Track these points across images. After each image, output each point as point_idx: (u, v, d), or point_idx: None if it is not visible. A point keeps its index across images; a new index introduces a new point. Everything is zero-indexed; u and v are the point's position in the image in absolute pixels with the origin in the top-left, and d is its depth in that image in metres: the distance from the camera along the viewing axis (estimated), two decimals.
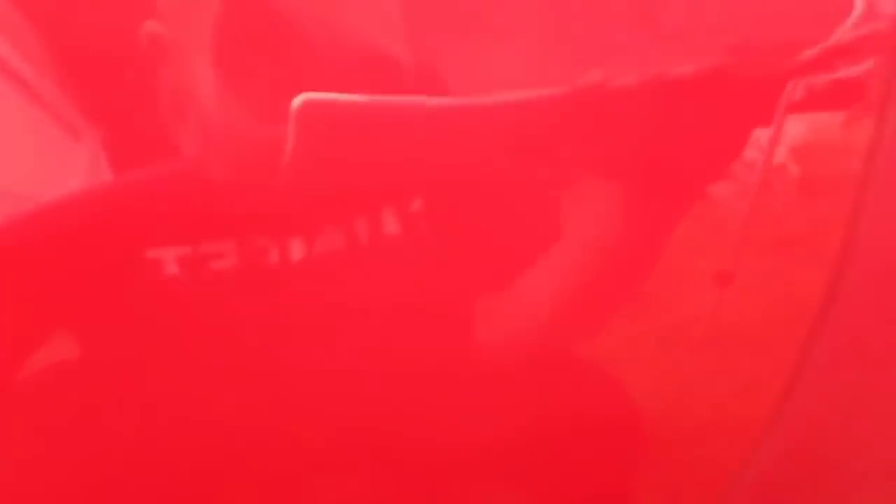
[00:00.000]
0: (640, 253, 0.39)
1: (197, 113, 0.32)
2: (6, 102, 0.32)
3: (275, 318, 0.35)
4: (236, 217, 0.33)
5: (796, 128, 0.38)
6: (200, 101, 0.32)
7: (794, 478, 0.47)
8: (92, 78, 0.32)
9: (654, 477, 0.45)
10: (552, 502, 0.45)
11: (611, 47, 0.36)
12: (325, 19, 0.32)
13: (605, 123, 0.36)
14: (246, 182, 0.33)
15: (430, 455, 0.41)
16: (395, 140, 0.34)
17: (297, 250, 0.33)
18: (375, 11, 0.33)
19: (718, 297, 0.41)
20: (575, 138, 0.36)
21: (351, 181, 0.34)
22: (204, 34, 0.31)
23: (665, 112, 0.36)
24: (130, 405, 0.36)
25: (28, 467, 0.37)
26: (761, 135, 0.38)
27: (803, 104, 0.37)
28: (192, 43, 0.31)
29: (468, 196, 0.36)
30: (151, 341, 0.35)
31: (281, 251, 0.33)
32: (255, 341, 0.35)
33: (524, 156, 0.36)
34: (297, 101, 0.31)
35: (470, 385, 0.39)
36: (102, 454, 0.37)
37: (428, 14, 0.34)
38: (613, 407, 0.42)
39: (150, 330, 0.34)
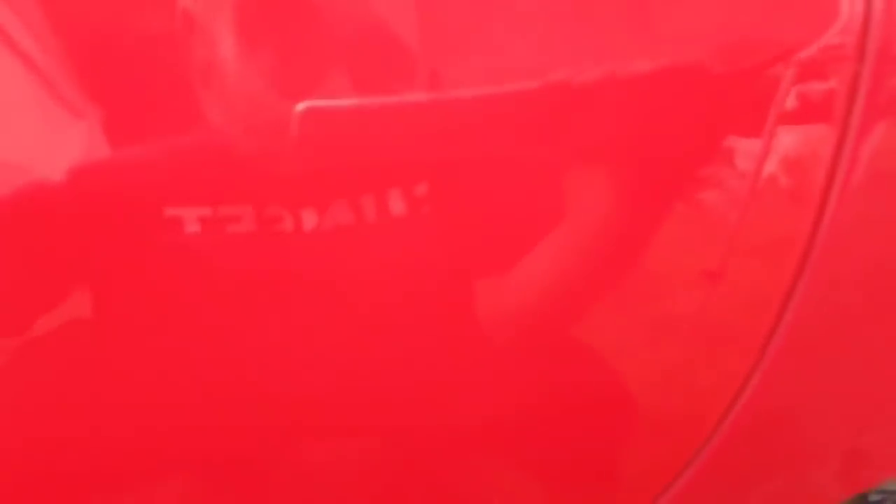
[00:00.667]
0: (631, 241, 0.41)
1: (222, 85, 0.33)
2: (15, 86, 0.33)
3: (285, 283, 0.37)
4: (254, 183, 0.35)
5: (787, 139, 0.40)
6: (226, 75, 0.33)
7: (759, 447, 0.50)
8: (93, 61, 0.34)
9: (634, 448, 0.49)
10: (546, 475, 0.48)
11: (605, 43, 0.38)
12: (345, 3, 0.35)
13: (598, 116, 0.38)
14: (264, 151, 0.35)
15: (426, 427, 0.43)
16: (394, 136, 0.36)
17: (309, 221, 0.35)
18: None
19: (706, 295, 0.43)
20: (569, 130, 0.38)
21: (353, 168, 0.36)
22: (230, 11, 0.33)
23: (658, 106, 0.38)
24: (142, 359, 0.38)
25: (39, 421, 0.38)
26: (752, 144, 0.40)
27: (795, 115, 0.40)
28: (219, 19, 0.33)
29: (467, 181, 0.37)
30: (165, 296, 0.37)
31: (294, 221, 0.35)
32: (266, 305, 0.38)
33: (523, 144, 0.38)
34: (299, 107, 0.33)
35: (468, 361, 0.42)
36: (112, 409, 0.39)
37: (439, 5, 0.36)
38: (604, 387, 0.45)
39: (165, 285, 0.36)
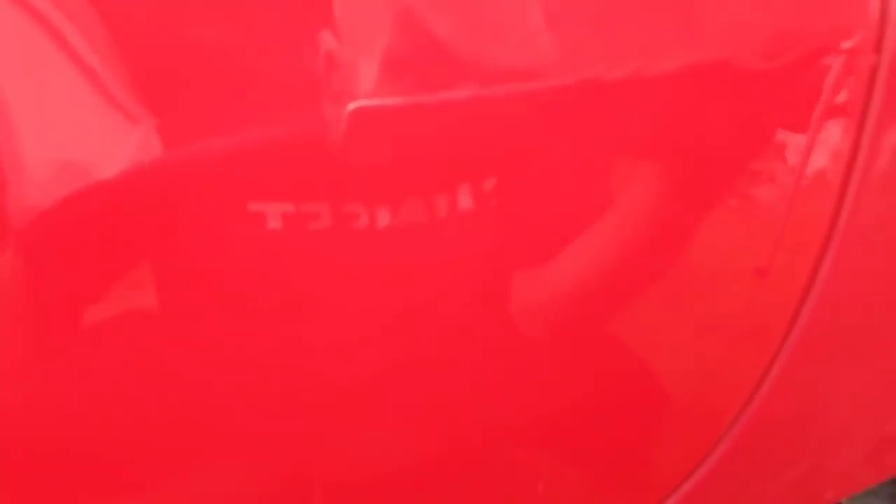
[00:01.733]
0: (680, 239, 0.43)
1: (347, 92, 0.35)
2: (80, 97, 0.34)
3: (357, 278, 0.38)
4: (338, 181, 0.36)
5: (834, 134, 0.42)
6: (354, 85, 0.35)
7: (781, 432, 0.52)
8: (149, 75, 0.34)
9: (663, 436, 0.50)
10: (580, 463, 0.49)
11: (650, 36, 0.39)
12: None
13: (644, 108, 0.39)
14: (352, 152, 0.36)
15: (470, 417, 0.44)
16: (440, 132, 0.37)
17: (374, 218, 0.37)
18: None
19: (753, 293, 0.45)
20: (616, 121, 0.39)
21: (413, 166, 0.37)
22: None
23: (704, 98, 0.40)
24: (219, 351, 0.38)
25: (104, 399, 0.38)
26: (800, 140, 0.41)
27: (840, 109, 0.41)
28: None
29: (518, 175, 0.39)
30: (241, 288, 0.37)
31: (370, 217, 0.36)
32: (338, 299, 0.38)
33: (572, 136, 0.39)
34: (350, 107, 0.35)
35: (513, 352, 0.43)
36: (178, 404, 0.39)
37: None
38: (643, 380, 0.46)
39: (242, 278, 0.37)
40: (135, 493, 0.40)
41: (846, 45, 0.41)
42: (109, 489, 0.40)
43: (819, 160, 0.43)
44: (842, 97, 0.42)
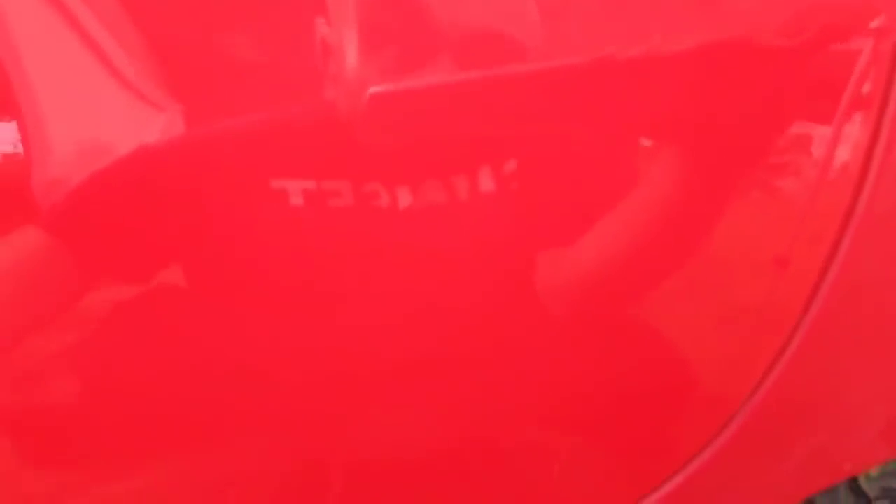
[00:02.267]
0: (696, 222, 0.43)
1: (342, 69, 0.36)
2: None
3: (378, 255, 0.39)
4: (356, 159, 0.37)
5: (855, 120, 0.42)
6: (345, 62, 0.36)
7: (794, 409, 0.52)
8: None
9: (679, 414, 0.51)
10: (596, 447, 0.50)
11: (670, 16, 0.39)
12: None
13: (663, 94, 0.39)
14: (366, 130, 0.37)
15: (489, 398, 0.45)
16: (463, 114, 0.37)
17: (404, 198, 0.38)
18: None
19: (774, 283, 0.45)
20: (635, 106, 0.39)
21: (433, 146, 0.38)
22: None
23: (723, 83, 0.40)
24: (243, 329, 0.40)
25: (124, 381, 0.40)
26: (822, 127, 0.41)
27: (864, 94, 0.41)
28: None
29: (536, 157, 0.39)
30: (265, 265, 0.39)
31: (390, 197, 0.37)
32: (359, 275, 0.40)
33: (591, 119, 0.39)
34: (369, 91, 0.36)
35: (532, 333, 0.43)
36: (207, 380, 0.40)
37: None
38: (660, 366, 0.47)
39: (265, 255, 0.38)
40: (156, 471, 0.43)
41: (874, 24, 0.41)
42: (134, 464, 0.42)
43: (841, 147, 0.42)
44: (866, 81, 0.41)
